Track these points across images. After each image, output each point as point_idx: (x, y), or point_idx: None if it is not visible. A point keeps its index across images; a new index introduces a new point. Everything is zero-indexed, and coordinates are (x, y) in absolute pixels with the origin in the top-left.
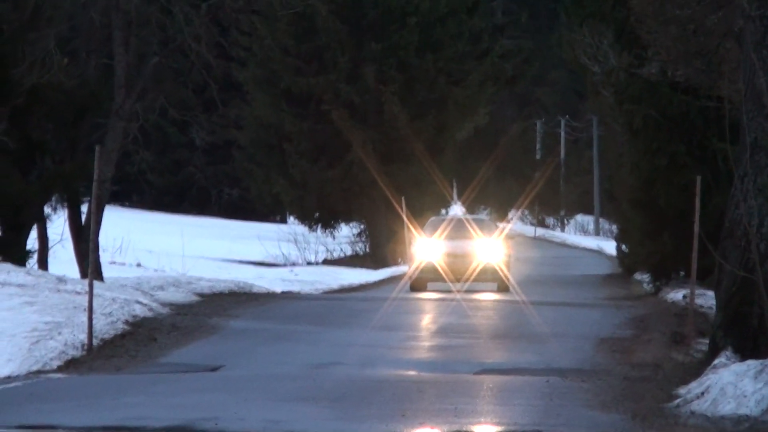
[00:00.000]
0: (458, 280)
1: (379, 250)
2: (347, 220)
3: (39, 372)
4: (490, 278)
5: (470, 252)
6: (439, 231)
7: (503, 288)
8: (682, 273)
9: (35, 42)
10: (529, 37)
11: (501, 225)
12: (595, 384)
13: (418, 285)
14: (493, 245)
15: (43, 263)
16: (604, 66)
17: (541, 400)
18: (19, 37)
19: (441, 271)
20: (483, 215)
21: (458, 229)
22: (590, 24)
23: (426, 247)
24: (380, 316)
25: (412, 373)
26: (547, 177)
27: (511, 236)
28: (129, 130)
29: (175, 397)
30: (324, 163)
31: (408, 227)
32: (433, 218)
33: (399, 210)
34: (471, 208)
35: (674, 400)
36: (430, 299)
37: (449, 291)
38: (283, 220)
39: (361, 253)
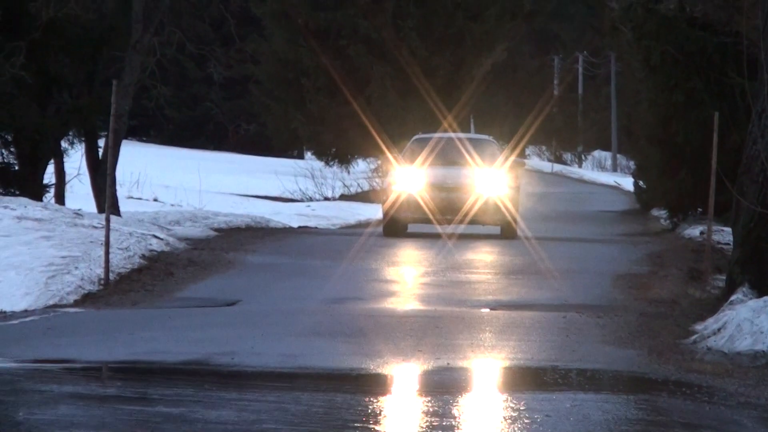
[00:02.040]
0: (448, 222)
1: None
2: (364, 156)
3: (56, 306)
4: (492, 219)
5: (465, 183)
6: (424, 155)
7: (509, 233)
8: (699, 209)
9: None
10: None
11: (508, 151)
12: (612, 320)
13: (393, 227)
14: (495, 175)
15: (60, 198)
16: (622, 1)
17: (557, 335)
18: None
19: (425, 209)
20: (484, 135)
21: (449, 153)
22: None
23: (405, 176)
24: (396, 251)
25: (428, 308)
26: (563, 112)
27: (518, 163)
28: (146, 64)
29: (192, 332)
30: (341, 99)
31: (385, 153)
32: (417, 136)
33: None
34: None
35: (691, 336)
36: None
37: (437, 236)
38: (300, 156)
39: (378, 188)
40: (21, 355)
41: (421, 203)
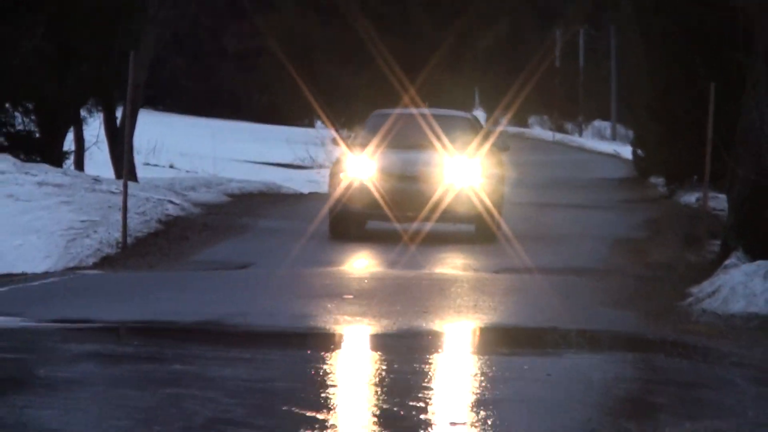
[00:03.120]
0: (408, 219)
1: None
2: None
3: (75, 268)
4: (463, 217)
5: (429, 172)
6: (382, 135)
7: (485, 234)
8: (695, 177)
9: None
10: None
11: (492, 127)
12: (610, 283)
13: (339, 225)
14: (469, 161)
15: (79, 164)
16: None
17: (557, 298)
18: None
19: (381, 203)
20: (460, 111)
21: (414, 134)
22: None
23: (355, 163)
24: None
25: (435, 271)
26: (565, 83)
27: (503, 147)
28: (162, 36)
29: (206, 294)
30: (351, 71)
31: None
32: (377, 112)
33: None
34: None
35: (686, 299)
36: None
37: (398, 237)
38: (311, 125)
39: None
40: (42, 315)
41: (376, 196)
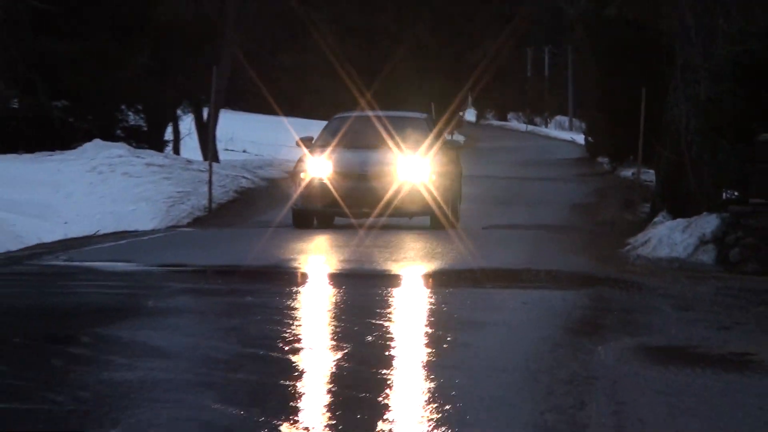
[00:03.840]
0: (364, 214)
1: None
2: None
3: (174, 227)
4: (416, 212)
5: (382, 171)
6: (340, 137)
7: (437, 223)
8: (631, 157)
9: None
10: None
11: (446, 128)
12: (569, 235)
13: (301, 218)
14: (419, 159)
15: (176, 150)
16: (578, 8)
17: (531, 246)
18: None
19: (337, 198)
20: (415, 113)
21: (369, 135)
22: None
23: (314, 162)
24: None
25: (438, 229)
26: (533, 88)
27: (454, 144)
28: (235, 54)
29: (269, 244)
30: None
31: (297, 142)
32: (337, 115)
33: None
34: (482, 113)
35: (625, 247)
36: None
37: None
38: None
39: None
40: (149, 261)
41: (334, 194)
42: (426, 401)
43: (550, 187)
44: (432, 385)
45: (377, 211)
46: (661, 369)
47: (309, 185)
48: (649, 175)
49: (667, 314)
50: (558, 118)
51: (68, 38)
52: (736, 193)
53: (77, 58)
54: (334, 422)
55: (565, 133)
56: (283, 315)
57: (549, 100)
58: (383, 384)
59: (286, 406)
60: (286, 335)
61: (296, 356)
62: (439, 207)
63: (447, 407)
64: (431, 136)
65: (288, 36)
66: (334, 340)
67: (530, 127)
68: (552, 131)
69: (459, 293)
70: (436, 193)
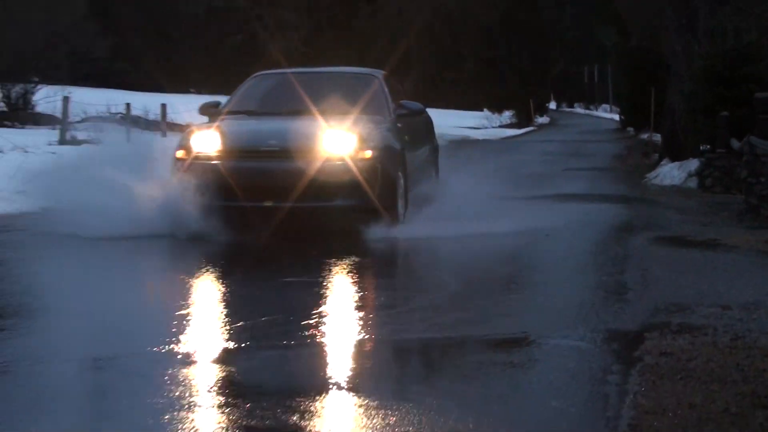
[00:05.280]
0: (267, 210)
1: (522, 119)
2: (508, 108)
3: None
4: (345, 200)
5: (299, 146)
6: (249, 103)
7: (369, 218)
8: (647, 127)
9: None
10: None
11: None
12: (611, 174)
13: (180, 219)
14: (354, 130)
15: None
16: (611, 42)
17: (589, 181)
18: None
19: (230, 185)
20: (370, 69)
21: (293, 99)
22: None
23: (200, 138)
24: (524, 147)
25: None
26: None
27: (416, 110)
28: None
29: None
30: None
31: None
32: (256, 74)
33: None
34: (559, 103)
35: (644, 179)
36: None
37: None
38: (479, 108)
39: (515, 121)
40: None
41: (226, 179)
42: (523, 267)
43: (598, 145)
44: (525, 256)
45: (289, 200)
46: (668, 249)
47: (190, 169)
48: (658, 137)
49: (670, 218)
50: (603, 105)
51: None
52: (708, 146)
53: None
54: None
55: (607, 114)
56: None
57: (598, 94)
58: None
59: None
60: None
61: None
62: (378, 197)
63: (540, 272)
64: (384, 101)
65: None
66: None
67: (587, 111)
68: (600, 113)
69: (547, 206)
70: (369, 175)
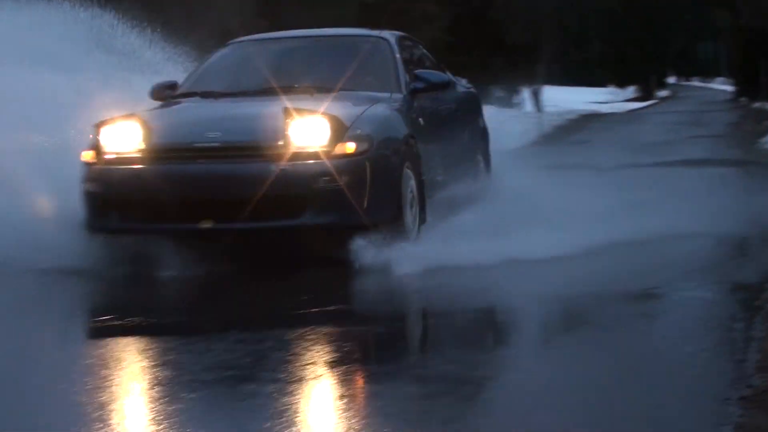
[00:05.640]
0: (207, 233)
1: (645, 93)
2: (633, 83)
3: None
4: (323, 214)
5: (255, 140)
6: (209, 79)
7: (350, 232)
8: (759, 97)
9: None
10: None
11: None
12: (727, 138)
13: (93, 228)
14: (329, 116)
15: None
16: (725, 21)
17: (708, 145)
18: None
19: (154, 200)
20: (372, 31)
21: (262, 75)
22: None
23: (114, 132)
24: (648, 118)
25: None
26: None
27: (445, 81)
28: None
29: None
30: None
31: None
32: (230, 42)
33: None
34: (679, 79)
35: (757, 144)
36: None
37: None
38: (604, 85)
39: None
40: None
41: (148, 191)
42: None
43: (716, 115)
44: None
45: (237, 222)
46: None
47: (98, 176)
48: None
49: None
50: (718, 77)
51: None
52: None
53: None
54: None
55: (723, 86)
56: None
57: (713, 68)
58: None
59: None
60: None
61: None
62: (363, 209)
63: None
64: (394, 72)
65: None
66: None
67: (703, 84)
68: (716, 85)
69: (668, 171)
70: (353, 178)
